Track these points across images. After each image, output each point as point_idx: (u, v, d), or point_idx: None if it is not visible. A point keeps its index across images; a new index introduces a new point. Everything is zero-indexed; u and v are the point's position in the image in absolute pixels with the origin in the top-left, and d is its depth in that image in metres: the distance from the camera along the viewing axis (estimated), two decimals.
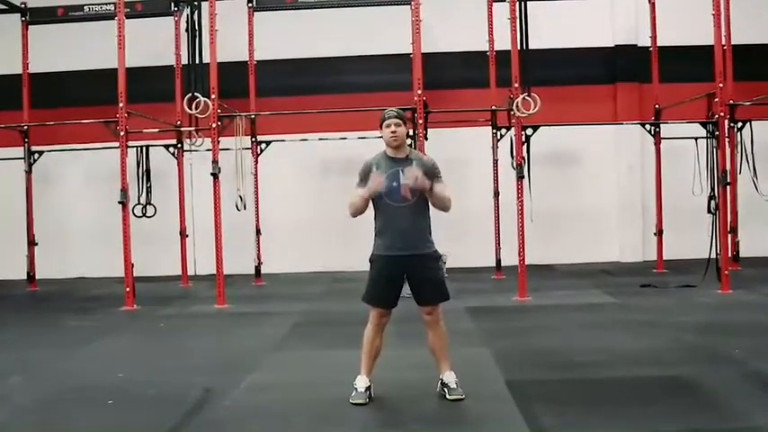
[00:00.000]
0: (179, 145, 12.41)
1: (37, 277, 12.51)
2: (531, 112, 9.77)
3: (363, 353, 5.13)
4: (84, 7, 12.07)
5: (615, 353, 6.45)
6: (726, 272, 9.75)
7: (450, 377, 5.10)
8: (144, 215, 12.20)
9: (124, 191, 9.73)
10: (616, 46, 13.86)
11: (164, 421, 4.83)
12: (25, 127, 12.13)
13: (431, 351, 5.19)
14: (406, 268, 5.00)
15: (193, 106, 10.02)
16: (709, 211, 10.56)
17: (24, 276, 12.47)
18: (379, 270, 5.04)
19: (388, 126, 5.02)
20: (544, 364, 6.14)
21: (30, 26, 12.43)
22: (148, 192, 12.36)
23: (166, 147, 12.39)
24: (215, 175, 9.79)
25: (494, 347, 6.73)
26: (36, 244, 12.48)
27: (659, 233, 12.29)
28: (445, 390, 5.07)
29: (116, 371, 6.22)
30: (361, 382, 5.09)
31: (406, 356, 6.09)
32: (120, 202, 9.74)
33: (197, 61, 11.14)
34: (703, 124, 10.71)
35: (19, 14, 12.35)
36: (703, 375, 5.51)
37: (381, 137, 5.09)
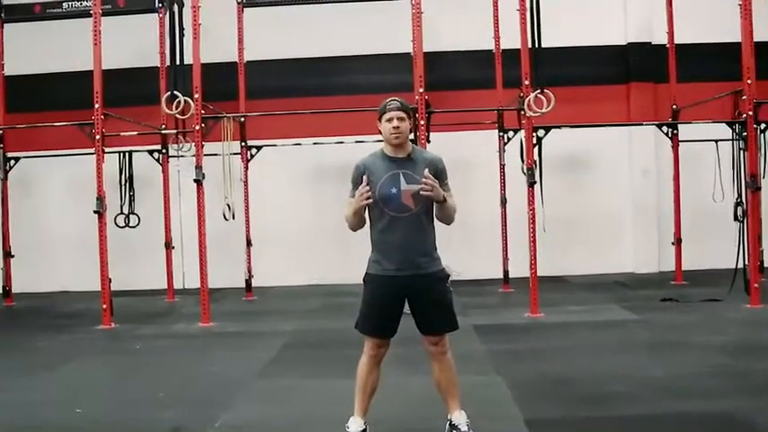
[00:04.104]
0: (164, 150, 11.61)
1: (15, 291, 11.67)
2: (544, 110, 8.96)
3: (357, 390, 4.29)
4: (63, 4, 11.30)
5: (647, 381, 5.63)
6: (755, 284, 8.96)
7: (460, 418, 4.27)
8: (127, 225, 11.48)
9: (100, 199, 8.94)
10: (628, 44, 13.10)
11: None
12: (0, 131, 11.34)
13: (436, 387, 4.36)
14: (407, 291, 4.16)
15: (174, 106, 9.19)
16: (735, 219, 9.79)
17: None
18: (375, 293, 4.20)
19: (390, 120, 4.18)
20: (568, 397, 5.32)
21: (5, 24, 11.65)
22: (131, 200, 11.62)
23: (150, 152, 11.60)
24: (198, 182, 9.02)
25: (508, 375, 5.93)
26: (12, 256, 11.64)
27: (677, 242, 11.49)
28: None
29: (75, 404, 5.43)
30: (355, 426, 4.27)
31: (408, 387, 5.33)
32: (95, 212, 8.95)
33: (183, 61, 10.41)
34: (729, 124, 9.88)
35: None
36: (761, 411, 4.69)
37: (380, 133, 4.26)
